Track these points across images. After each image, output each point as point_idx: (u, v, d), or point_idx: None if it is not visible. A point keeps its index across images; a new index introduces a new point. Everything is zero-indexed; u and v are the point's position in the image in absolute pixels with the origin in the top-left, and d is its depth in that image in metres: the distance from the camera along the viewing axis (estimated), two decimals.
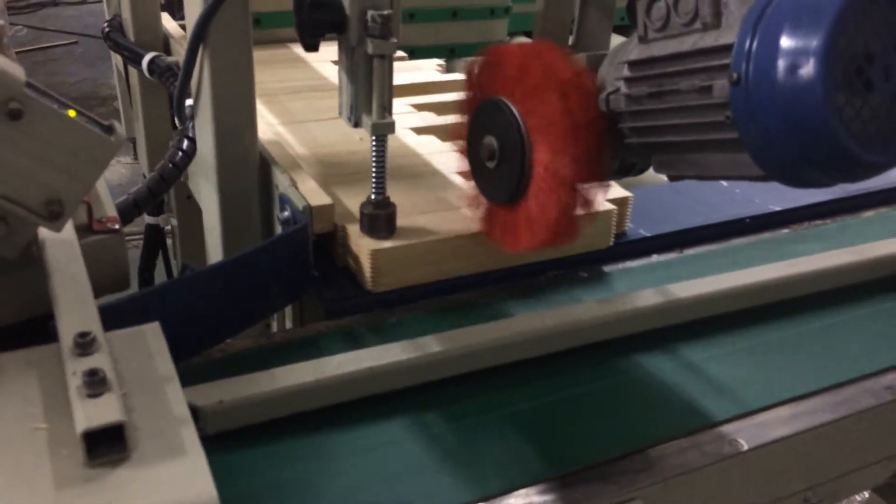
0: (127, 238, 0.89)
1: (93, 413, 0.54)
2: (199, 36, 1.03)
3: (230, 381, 0.83)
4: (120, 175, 3.53)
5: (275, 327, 1.20)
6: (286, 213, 1.08)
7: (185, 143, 1.16)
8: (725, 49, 0.69)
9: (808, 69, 0.62)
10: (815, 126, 0.63)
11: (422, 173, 1.22)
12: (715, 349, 1.00)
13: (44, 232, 0.77)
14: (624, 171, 0.92)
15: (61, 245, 0.77)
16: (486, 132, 0.95)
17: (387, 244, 1.01)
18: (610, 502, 0.77)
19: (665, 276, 1.13)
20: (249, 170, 1.13)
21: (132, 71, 1.60)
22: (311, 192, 1.06)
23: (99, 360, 0.59)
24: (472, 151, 1.00)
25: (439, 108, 1.44)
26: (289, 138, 1.30)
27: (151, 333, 0.67)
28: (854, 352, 1.01)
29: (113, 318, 0.67)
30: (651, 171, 0.89)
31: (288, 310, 1.12)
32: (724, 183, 1.39)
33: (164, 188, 1.14)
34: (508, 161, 0.92)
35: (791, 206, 1.34)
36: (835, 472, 0.95)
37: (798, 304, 1.09)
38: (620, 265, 1.17)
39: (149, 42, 1.52)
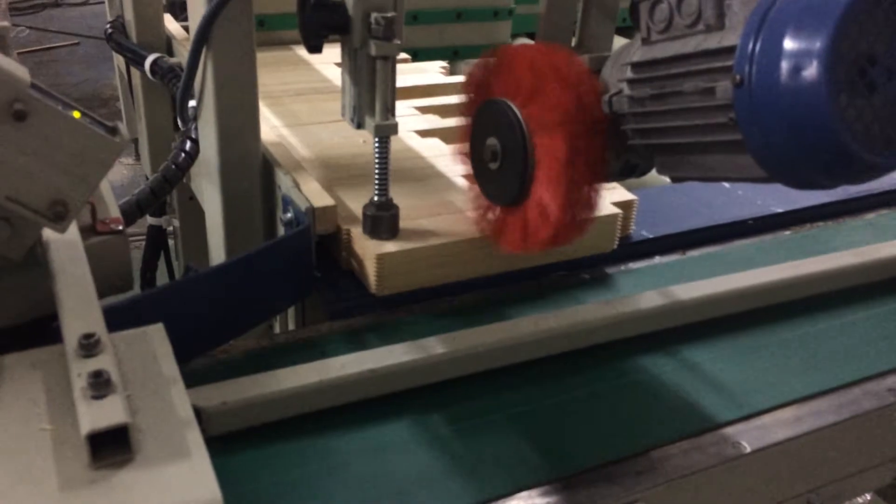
0: (129, 239, 0.89)
1: (97, 415, 0.54)
2: (203, 37, 1.03)
3: (234, 383, 0.83)
4: (122, 176, 3.54)
5: (277, 328, 1.20)
6: (289, 215, 1.08)
7: (188, 145, 1.15)
8: (729, 51, 0.69)
9: (811, 71, 0.62)
10: (817, 128, 0.63)
11: (426, 176, 1.22)
12: (718, 351, 1.00)
13: (48, 233, 0.77)
14: (626, 172, 0.91)
15: (65, 246, 0.77)
16: (489, 134, 0.95)
17: (392, 248, 1.00)
18: None
19: (668, 277, 1.13)
20: (252, 171, 1.13)
21: (134, 72, 1.60)
22: (314, 194, 1.05)
23: (103, 362, 0.59)
24: (475, 153, 1.00)
25: (443, 111, 1.44)
26: (292, 140, 1.30)
27: (155, 335, 0.67)
28: (857, 354, 1.01)
29: (117, 319, 0.67)
30: (654, 172, 0.89)
31: (290, 311, 1.12)
32: (727, 184, 1.39)
33: (167, 189, 1.14)
34: (511, 162, 0.92)
35: (793, 207, 1.33)
36: (837, 475, 0.95)
37: (801, 306, 1.09)
38: (623, 267, 1.18)
39: (151, 43, 1.52)
